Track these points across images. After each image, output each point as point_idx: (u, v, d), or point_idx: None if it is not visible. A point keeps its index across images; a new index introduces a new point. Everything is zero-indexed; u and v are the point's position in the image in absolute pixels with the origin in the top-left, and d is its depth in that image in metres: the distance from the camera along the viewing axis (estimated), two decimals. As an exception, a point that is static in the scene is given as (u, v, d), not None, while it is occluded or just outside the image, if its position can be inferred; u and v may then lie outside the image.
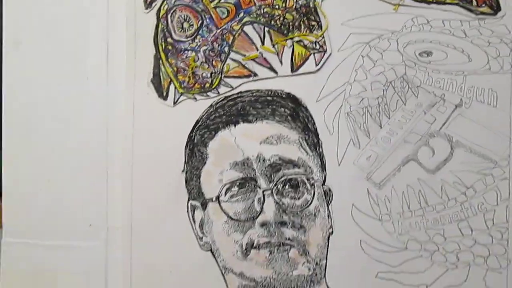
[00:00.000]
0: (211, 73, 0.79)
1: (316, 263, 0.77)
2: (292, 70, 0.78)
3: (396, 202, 0.77)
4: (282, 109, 0.78)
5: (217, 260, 0.79)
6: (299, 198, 0.77)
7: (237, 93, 0.79)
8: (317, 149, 0.78)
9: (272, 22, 0.78)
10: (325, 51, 0.77)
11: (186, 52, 0.79)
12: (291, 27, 0.77)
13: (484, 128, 0.75)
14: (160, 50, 0.79)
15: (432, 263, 0.76)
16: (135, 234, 0.80)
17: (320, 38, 0.77)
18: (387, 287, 0.76)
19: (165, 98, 0.80)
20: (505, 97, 0.75)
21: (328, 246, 0.77)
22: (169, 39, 0.79)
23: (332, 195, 0.78)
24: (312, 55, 0.77)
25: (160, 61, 0.80)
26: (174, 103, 0.80)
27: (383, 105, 0.77)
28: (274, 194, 0.76)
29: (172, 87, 0.80)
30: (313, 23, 0.77)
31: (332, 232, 0.78)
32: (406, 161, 0.77)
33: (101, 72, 0.82)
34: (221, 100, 0.79)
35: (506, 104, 0.75)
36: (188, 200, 0.80)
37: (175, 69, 0.80)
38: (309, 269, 0.76)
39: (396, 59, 0.76)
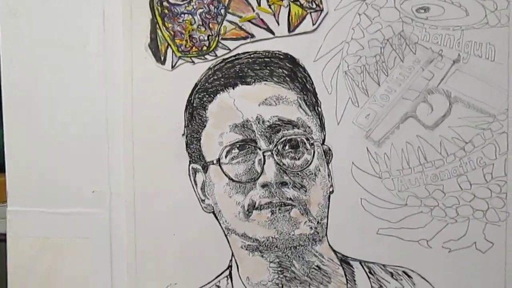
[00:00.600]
0: (208, 36, 0.79)
1: (318, 222, 0.77)
2: (289, 31, 0.77)
3: (396, 159, 0.77)
4: (280, 70, 0.78)
5: (220, 222, 0.80)
6: (299, 158, 0.77)
7: (235, 55, 0.78)
8: (316, 109, 0.78)
9: (268, -18, 0.77)
10: (321, 10, 0.76)
11: (182, 15, 0.78)
12: (287, -13, 0.77)
13: (482, 82, 0.75)
14: (157, 14, 0.79)
15: (432, 218, 0.77)
16: (138, 199, 0.81)
17: (317, -3, 0.77)
18: (388, 243, 0.77)
19: (163, 62, 0.79)
20: (502, 51, 0.74)
21: (329, 205, 0.78)
22: (165, 3, 0.78)
23: (332, 154, 0.78)
24: (308, 14, 0.76)
25: (157, 26, 0.79)
26: (172, 67, 0.79)
27: (381, 62, 0.76)
28: (274, 155, 0.76)
29: (169, 51, 0.79)
30: (309, -18, 0.77)
31: (333, 191, 0.78)
32: (405, 118, 0.77)
33: (98, 39, 0.81)
34: (219, 63, 0.79)
35: (504, 58, 0.74)
36: (189, 164, 0.80)
37: (172, 33, 0.79)
38: (311, 228, 0.77)
39: (393, 16, 0.76)
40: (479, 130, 0.75)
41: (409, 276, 0.78)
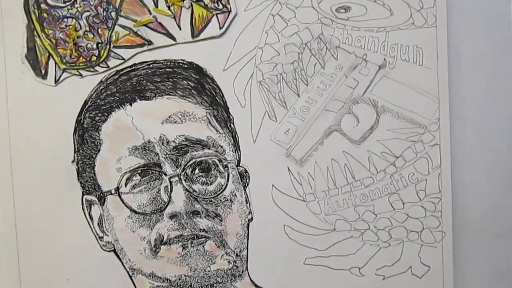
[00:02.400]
0: (98, 44, 0.69)
1: (236, 255, 0.70)
2: (192, 36, 0.69)
3: (321, 179, 0.71)
4: (185, 82, 0.69)
5: (123, 261, 0.70)
6: (211, 183, 0.69)
7: (131, 66, 0.70)
8: (228, 126, 0.70)
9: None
10: (229, 11, 0.69)
11: (65, 20, 0.69)
12: (187, -16, 0.68)
13: (411, 89, 0.70)
14: (34, 19, 0.68)
15: (363, 243, 0.71)
16: (21, 239, 0.70)
17: (223, -4, 0.70)
18: (316, 274, 0.71)
19: (44, 76, 0.69)
20: (431, 54, 0.69)
21: (248, 234, 0.71)
22: (43, 5, 0.68)
23: (249, 176, 0.71)
24: (214, 16, 0.69)
25: (35, 33, 0.69)
26: (56, 81, 0.70)
27: (300, 70, 0.70)
28: (183, 181, 0.67)
29: (51, 63, 0.69)
30: (214, -22, 0.68)
31: (252, 218, 0.71)
32: (329, 132, 0.70)
33: (-37, 50, 0.69)
34: (112, 75, 0.70)
35: (433, 61, 0.69)
36: (83, 195, 0.70)
37: (54, 41, 0.69)
38: (229, 262, 0.69)
39: (311, 17, 0.70)
40: (410, 142, 0.70)
41: None
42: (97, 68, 0.69)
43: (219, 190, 0.69)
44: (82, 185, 0.70)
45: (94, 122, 0.69)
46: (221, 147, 0.70)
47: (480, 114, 0.71)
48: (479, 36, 0.70)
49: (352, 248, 0.71)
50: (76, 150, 0.70)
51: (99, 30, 0.69)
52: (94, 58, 0.69)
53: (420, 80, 0.70)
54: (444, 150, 0.70)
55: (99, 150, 0.69)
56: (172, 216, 0.68)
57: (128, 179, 0.68)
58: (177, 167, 0.68)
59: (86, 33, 0.69)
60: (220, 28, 0.69)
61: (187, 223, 0.68)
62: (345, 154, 0.70)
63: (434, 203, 0.70)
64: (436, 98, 0.70)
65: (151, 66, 0.70)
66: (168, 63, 0.70)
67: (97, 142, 0.69)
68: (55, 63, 0.69)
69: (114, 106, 0.69)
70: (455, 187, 0.70)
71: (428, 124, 0.70)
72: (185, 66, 0.70)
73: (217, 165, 0.69)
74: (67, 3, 0.68)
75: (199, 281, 0.69)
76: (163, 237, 0.68)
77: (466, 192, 0.71)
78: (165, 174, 0.68)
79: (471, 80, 0.70)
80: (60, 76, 0.69)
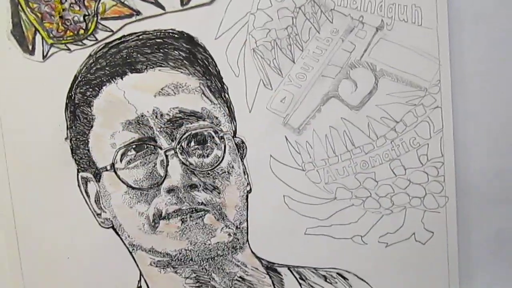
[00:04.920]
0: (85, 16, 0.66)
1: (236, 227, 0.68)
2: (182, 3, 0.66)
3: (319, 147, 0.69)
4: (176, 52, 0.67)
5: (122, 238, 0.69)
6: (208, 155, 0.67)
7: (120, 38, 0.67)
8: (223, 96, 0.68)
9: None
10: None
11: None
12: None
13: (410, 51, 0.68)
14: None
15: (365, 211, 0.70)
16: (18, 220, 0.69)
17: (210, -40, 0.66)
18: (318, 243, 0.70)
19: (31, 52, 0.67)
20: (430, 13, 0.67)
21: (247, 206, 0.70)
22: None
23: (245, 147, 0.69)
24: None
25: (20, 7, 0.66)
26: (44, 57, 0.67)
27: (294, 35, 0.67)
28: (179, 154, 0.66)
29: (38, 38, 0.66)
30: None
31: (251, 190, 0.70)
32: (326, 98, 0.69)
33: None
34: (102, 48, 0.67)
35: (432, 21, 0.67)
36: (78, 172, 0.69)
37: (40, 15, 0.66)
38: (229, 234, 0.68)
39: None
40: (410, 106, 0.68)
41: (344, 278, 0.72)
42: (85, 41, 0.67)
43: (216, 162, 0.67)
44: (77, 162, 0.69)
45: (86, 97, 0.67)
46: (216, 118, 0.68)
47: (482, 74, 0.68)
48: (480, -7, 0.68)
49: (354, 217, 0.70)
50: (68, 126, 0.68)
51: (86, 1, 0.65)
52: (81, 31, 0.66)
53: (419, 41, 0.67)
54: (446, 113, 0.68)
55: (92, 126, 0.67)
56: (170, 191, 0.66)
57: (123, 155, 0.67)
58: (172, 141, 0.66)
59: (72, 5, 0.66)
60: (210, -6, 0.67)
61: (185, 197, 0.66)
62: (344, 120, 0.69)
63: (437, 168, 0.69)
64: (436, 59, 0.67)
65: (140, 37, 0.67)
66: (158, 33, 0.67)
67: (90, 118, 0.67)
68: (42, 38, 0.66)
69: (104, 80, 0.67)
70: (457, 151, 0.69)
71: (429, 87, 0.68)
72: (176, 36, 0.67)
73: (213, 137, 0.67)
74: (50, -25, 0.66)
75: (199, 254, 0.68)
76: (162, 212, 0.67)
77: (469, 155, 0.69)
78: (161, 148, 0.66)
79: (472, 39, 0.68)
80: (48, 51, 0.67)
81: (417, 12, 0.67)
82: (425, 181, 0.69)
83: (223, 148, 0.68)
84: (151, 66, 0.67)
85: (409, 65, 0.68)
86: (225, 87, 0.69)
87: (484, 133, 0.69)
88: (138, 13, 0.66)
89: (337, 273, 0.71)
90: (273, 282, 0.71)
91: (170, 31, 0.68)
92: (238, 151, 0.69)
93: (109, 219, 0.69)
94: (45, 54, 0.67)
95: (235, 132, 0.69)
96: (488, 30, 0.68)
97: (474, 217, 0.70)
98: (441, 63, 0.67)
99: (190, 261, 0.69)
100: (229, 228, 0.68)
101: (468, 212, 0.70)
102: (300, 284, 0.71)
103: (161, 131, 0.66)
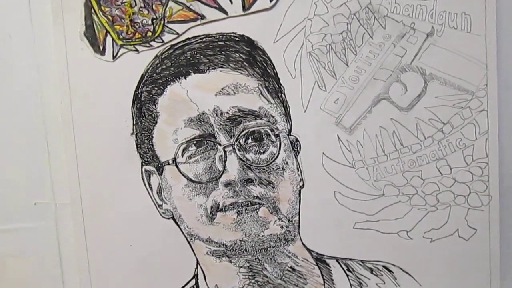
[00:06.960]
0: (152, 19, 0.70)
1: (289, 220, 0.71)
2: (243, 9, 0.69)
3: (369, 146, 0.71)
4: (237, 54, 0.70)
5: (181, 228, 0.73)
6: (264, 152, 0.70)
7: (184, 40, 0.71)
8: (280, 96, 0.71)
9: (216, -46, 0.68)
10: None
11: None
12: (238, -41, 0.68)
13: (459, 56, 0.69)
14: None
15: (411, 208, 0.72)
16: (86, 208, 0.73)
17: (273, -30, 0.69)
18: (365, 237, 0.72)
19: (102, 52, 0.71)
20: (479, 21, 0.69)
21: (300, 200, 0.72)
22: None
23: (299, 145, 0.72)
24: None
25: (92, 10, 0.70)
26: (114, 57, 0.71)
27: (348, 40, 0.70)
28: (237, 150, 0.69)
29: (109, 39, 0.70)
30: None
31: (303, 185, 0.72)
32: (377, 100, 0.71)
33: (25, 29, 0.71)
34: (167, 50, 0.71)
35: (481, 28, 0.69)
36: (142, 166, 0.73)
37: (111, 18, 0.70)
38: (282, 227, 0.71)
39: None
40: (457, 109, 0.70)
41: (389, 271, 0.74)
42: (152, 43, 0.70)
43: (271, 159, 0.71)
44: (141, 156, 0.73)
45: (151, 95, 0.71)
46: (273, 117, 0.71)
47: (528, 80, 0.71)
48: (528, 2, 0.69)
49: (400, 213, 0.72)
50: (134, 122, 0.72)
51: (154, 6, 0.70)
52: (149, 33, 0.70)
53: (468, 47, 0.69)
54: (492, 116, 0.70)
55: (156, 122, 0.71)
56: (227, 184, 0.70)
57: (184, 150, 0.70)
58: (231, 137, 0.69)
59: (141, 9, 0.70)
60: (270, 1, 0.69)
61: (241, 191, 0.70)
62: (393, 121, 0.71)
63: (481, 168, 0.71)
64: (484, 65, 0.69)
65: (204, 40, 0.71)
66: (220, 36, 0.71)
67: (154, 115, 0.71)
68: (112, 39, 0.70)
69: (169, 79, 0.71)
70: (502, 152, 0.71)
71: (476, 90, 0.70)
72: (237, 39, 0.71)
73: (269, 135, 0.70)
74: (121, -19, 0.70)
75: (253, 245, 0.71)
76: (219, 204, 0.70)
77: (513, 156, 0.72)
78: (220, 144, 0.69)
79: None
80: (118, 52, 0.71)
81: (466, 20, 0.69)
82: (469, 180, 0.71)
83: (278, 145, 0.71)
84: (213, 67, 0.70)
85: (457, 70, 0.70)
86: (282, 88, 0.71)
87: (527, 135, 0.72)
88: (202, 17, 0.70)
89: (383, 266, 0.73)
90: (321, 273, 0.74)
91: (232, 34, 0.71)
92: (293, 149, 0.72)
93: (170, 210, 0.73)
94: (115, 54, 0.71)
95: (290, 131, 0.72)
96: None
97: (517, 215, 0.73)
98: (488, 69, 0.69)
99: (244, 251, 0.72)
100: (282, 221, 0.71)
101: (510, 211, 0.72)
102: (347, 275, 0.74)
103: (220, 128, 0.70)
